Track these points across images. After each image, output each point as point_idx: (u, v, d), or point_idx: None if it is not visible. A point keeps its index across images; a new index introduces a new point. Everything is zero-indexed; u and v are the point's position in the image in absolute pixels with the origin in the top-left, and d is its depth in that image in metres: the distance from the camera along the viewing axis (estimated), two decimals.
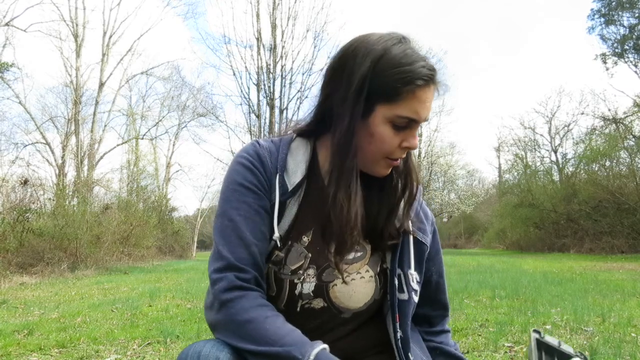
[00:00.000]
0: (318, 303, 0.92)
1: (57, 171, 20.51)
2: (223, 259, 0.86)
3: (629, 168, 18.20)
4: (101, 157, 21.92)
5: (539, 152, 27.22)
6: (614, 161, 19.30)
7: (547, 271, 8.87)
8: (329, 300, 0.92)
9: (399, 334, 0.94)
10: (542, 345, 0.97)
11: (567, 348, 0.97)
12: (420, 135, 27.67)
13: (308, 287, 0.92)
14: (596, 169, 20.24)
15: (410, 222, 0.98)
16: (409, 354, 0.94)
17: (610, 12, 20.32)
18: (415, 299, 0.97)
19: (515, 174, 27.55)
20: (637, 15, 19.72)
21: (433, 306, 1.10)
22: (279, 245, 0.91)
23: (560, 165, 25.04)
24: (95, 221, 13.51)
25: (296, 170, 0.93)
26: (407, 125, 0.87)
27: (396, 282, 0.95)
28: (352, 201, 0.87)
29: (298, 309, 0.93)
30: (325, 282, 0.92)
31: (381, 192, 0.97)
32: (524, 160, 27.38)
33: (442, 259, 1.12)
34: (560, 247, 19.03)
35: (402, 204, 0.97)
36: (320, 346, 0.77)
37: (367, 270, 0.95)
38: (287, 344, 0.77)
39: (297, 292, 0.91)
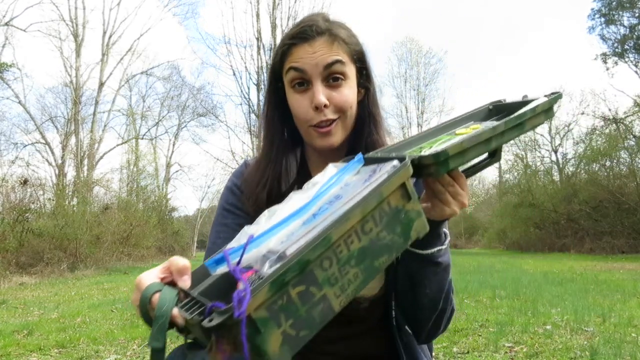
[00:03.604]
0: None
1: (56, 171, 20.50)
2: None
3: (629, 168, 18.16)
4: (101, 157, 21.91)
5: (539, 152, 27.17)
6: (615, 161, 19.26)
7: (547, 271, 8.86)
8: None
9: (393, 312, 0.93)
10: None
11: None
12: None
13: None
14: (596, 169, 20.20)
15: None
16: (404, 328, 0.94)
17: (610, 12, 20.29)
18: None
19: (516, 173, 27.49)
20: (637, 15, 19.70)
21: None
22: None
23: (561, 165, 25.00)
24: (95, 221, 13.50)
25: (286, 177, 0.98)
26: (302, 81, 0.88)
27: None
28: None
29: None
30: None
31: None
32: (524, 160, 27.33)
33: None
34: (560, 247, 19.00)
35: None
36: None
37: None
38: None
39: None
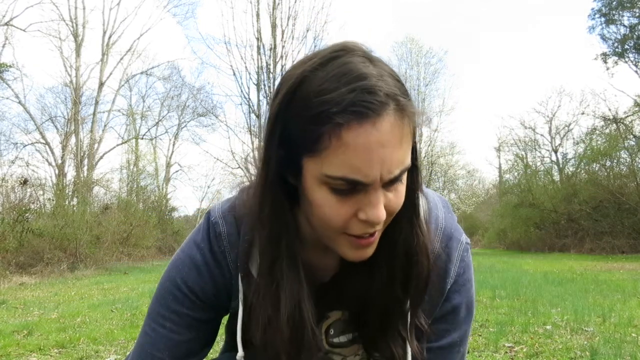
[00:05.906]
0: None
1: (56, 171, 20.50)
2: None
3: (630, 168, 18.17)
4: (101, 157, 21.90)
5: (539, 152, 27.20)
6: (615, 161, 19.27)
7: (547, 271, 8.85)
8: None
9: None
10: None
11: None
12: (420, 136, 27.68)
13: None
14: (597, 169, 20.20)
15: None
16: None
17: (610, 12, 20.29)
18: None
19: (516, 174, 27.52)
20: (637, 14, 19.69)
21: None
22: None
23: (561, 165, 25.01)
24: (95, 221, 13.49)
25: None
26: (353, 188, 0.58)
27: None
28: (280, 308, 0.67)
29: None
30: None
31: (371, 280, 0.71)
32: (524, 160, 27.34)
33: (461, 323, 0.82)
34: (560, 247, 19.00)
35: (408, 301, 0.72)
36: None
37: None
38: None
39: None
